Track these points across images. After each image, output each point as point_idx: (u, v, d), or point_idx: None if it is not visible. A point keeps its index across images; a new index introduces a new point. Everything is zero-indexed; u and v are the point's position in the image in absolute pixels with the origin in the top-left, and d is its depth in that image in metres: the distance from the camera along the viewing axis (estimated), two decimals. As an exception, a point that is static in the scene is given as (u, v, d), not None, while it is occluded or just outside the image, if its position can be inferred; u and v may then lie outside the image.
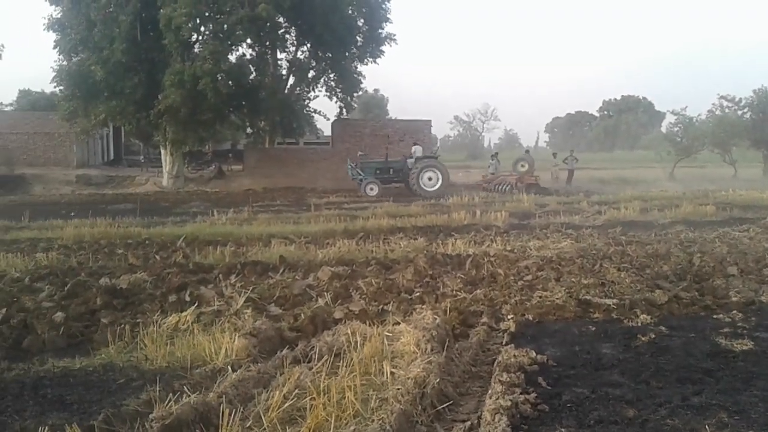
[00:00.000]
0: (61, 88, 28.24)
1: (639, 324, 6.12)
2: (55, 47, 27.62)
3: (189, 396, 3.86)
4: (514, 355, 4.95)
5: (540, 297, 6.95)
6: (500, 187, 26.44)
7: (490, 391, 4.22)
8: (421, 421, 3.94)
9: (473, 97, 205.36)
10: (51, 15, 27.63)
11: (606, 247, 10.04)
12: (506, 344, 5.44)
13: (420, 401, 4.09)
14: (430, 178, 25.67)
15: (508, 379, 4.42)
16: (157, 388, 4.03)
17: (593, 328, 6.05)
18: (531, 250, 9.95)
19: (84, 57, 26.35)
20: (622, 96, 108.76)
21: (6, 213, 17.48)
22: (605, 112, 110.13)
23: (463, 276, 8.03)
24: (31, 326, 6.01)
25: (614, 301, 6.73)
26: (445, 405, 4.23)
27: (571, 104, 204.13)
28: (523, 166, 30.52)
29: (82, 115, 27.77)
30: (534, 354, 5.03)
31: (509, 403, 3.92)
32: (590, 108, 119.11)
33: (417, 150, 27.26)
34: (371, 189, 25.06)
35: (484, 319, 6.31)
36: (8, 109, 54.74)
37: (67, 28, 27.19)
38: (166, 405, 3.66)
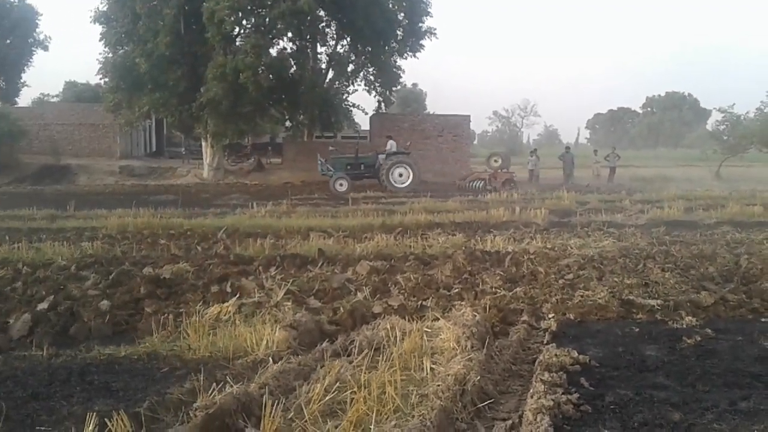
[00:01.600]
0: (106, 80, 28.86)
1: (684, 326, 5.99)
2: (100, 39, 28.23)
3: (231, 386, 3.90)
4: (556, 355, 4.89)
5: (582, 296, 6.84)
6: (474, 185, 25.96)
7: (531, 391, 4.18)
8: (461, 419, 3.92)
9: (513, 92, 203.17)
10: (97, 8, 28.27)
11: (649, 247, 9.84)
12: (547, 343, 5.38)
13: (460, 398, 4.07)
14: (400, 174, 25.31)
15: (550, 378, 4.37)
16: (201, 378, 4.09)
17: (637, 329, 5.95)
18: (572, 248, 9.80)
19: (129, 49, 26.86)
20: (667, 92, 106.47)
21: (52, 202, 17.98)
22: (648, 109, 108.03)
23: (502, 273, 7.95)
24: (78, 314, 6.16)
25: (658, 302, 6.60)
26: (485, 403, 4.20)
27: (613, 100, 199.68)
28: (496, 161, 29.81)
29: (126, 106, 28.32)
30: (576, 354, 4.96)
31: (551, 403, 3.88)
32: (633, 104, 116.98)
33: (392, 145, 26.78)
34: (340, 185, 24.52)
35: (525, 318, 6.25)
36: (54, 100, 56.05)
37: (113, 21, 27.74)
38: (210, 394, 3.71)
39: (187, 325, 5.55)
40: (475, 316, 5.72)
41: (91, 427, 3.10)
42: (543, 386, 4.19)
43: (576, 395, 4.12)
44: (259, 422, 3.55)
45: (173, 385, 4.33)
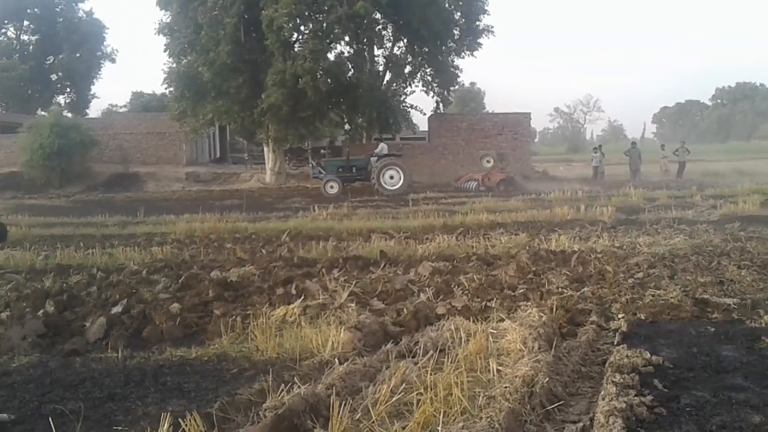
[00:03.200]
0: (171, 89, 29.81)
1: (763, 325, 5.71)
2: (165, 50, 29.23)
3: (299, 387, 3.95)
4: (627, 356, 4.74)
5: (653, 295, 6.63)
6: (468, 185, 25.67)
7: (602, 392, 4.06)
8: (530, 421, 3.86)
9: (574, 88, 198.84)
10: (161, 20, 29.30)
11: (723, 244, 9.45)
12: (618, 344, 5.22)
13: (528, 400, 4.00)
14: (391, 177, 25.04)
15: (622, 380, 4.24)
16: (269, 379, 4.15)
17: (712, 329, 5.70)
18: (641, 246, 9.52)
19: (192, 59, 27.64)
20: (737, 83, 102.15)
21: (123, 209, 18.71)
22: (718, 101, 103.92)
23: (568, 273, 7.79)
24: (150, 317, 6.35)
25: (734, 300, 6.31)
26: (554, 405, 4.11)
27: (681, 93, 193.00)
28: (488, 162, 29.20)
29: (190, 114, 29.14)
30: (648, 355, 4.79)
31: (624, 405, 3.76)
32: (702, 96, 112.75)
33: (383, 148, 26.57)
34: (331, 187, 24.70)
35: (593, 318, 6.09)
36: (123, 110, 58.37)
37: (176, 32, 28.65)
38: (278, 395, 3.76)
39: (254, 326, 5.65)
40: (542, 316, 5.62)
41: (165, 427, 3.19)
42: (615, 388, 4.07)
43: (650, 397, 3.98)
44: (327, 423, 3.57)
45: (243, 385, 4.42)
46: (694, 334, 5.61)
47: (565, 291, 6.99)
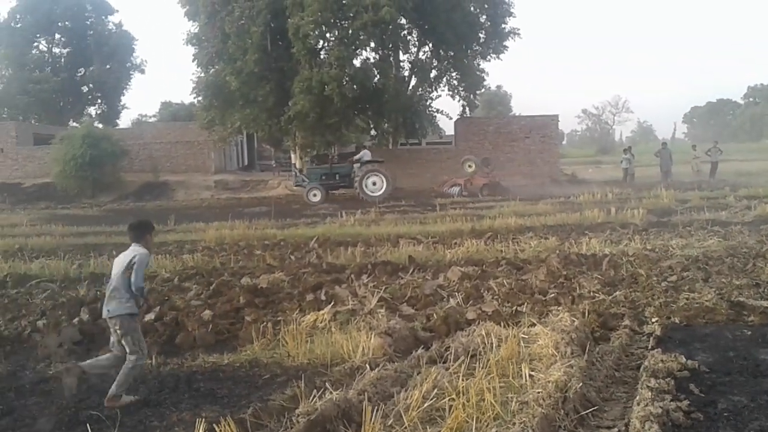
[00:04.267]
0: (200, 98, 30.14)
1: (802, 328, 5.59)
2: (193, 60, 29.56)
3: (331, 393, 3.97)
4: (662, 360, 4.68)
5: (687, 299, 6.53)
6: (451, 190, 25.55)
7: (637, 398, 4.01)
8: (564, 426, 3.82)
9: (602, 89, 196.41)
10: (189, 30, 29.64)
11: (759, 245, 9.27)
12: (652, 348, 5.15)
13: (562, 406, 3.96)
14: (374, 183, 24.97)
15: (657, 385, 4.18)
16: (302, 385, 4.18)
17: (748, 332, 5.61)
18: (674, 248, 9.38)
19: (219, 68, 27.91)
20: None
21: (153, 217, 18.85)
22: (751, 99, 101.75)
23: (600, 277, 7.71)
24: (182, 323, 6.44)
25: (772, 303, 6.19)
26: (588, 410, 4.07)
27: (712, 92, 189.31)
28: (470, 166, 28.92)
29: (219, 123, 29.43)
30: (684, 359, 4.73)
31: (659, 410, 3.71)
32: (733, 95, 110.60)
33: (365, 155, 26.48)
34: (314, 195, 24.71)
35: (626, 322, 6.02)
36: (152, 120, 59.26)
37: (204, 42, 28.95)
38: (311, 401, 3.79)
39: (285, 332, 5.70)
40: (574, 321, 5.57)
41: (200, 433, 3.24)
42: (650, 393, 4.01)
43: (686, 402, 3.93)
44: (359, 428, 3.59)
45: (275, 391, 4.46)
46: (730, 337, 5.51)
47: (597, 295, 6.92)
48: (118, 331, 4.61)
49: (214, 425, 3.40)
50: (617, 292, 7.01)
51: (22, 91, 46.15)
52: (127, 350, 4.60)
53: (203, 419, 3.46)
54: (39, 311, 7.24)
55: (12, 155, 36.17)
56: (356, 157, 26.63)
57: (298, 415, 3.66)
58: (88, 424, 3.96)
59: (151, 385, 4.91)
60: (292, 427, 3.53)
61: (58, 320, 6.70)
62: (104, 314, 4.75)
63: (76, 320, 6.64)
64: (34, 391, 4.96)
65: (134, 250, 4.84)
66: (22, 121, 44.81)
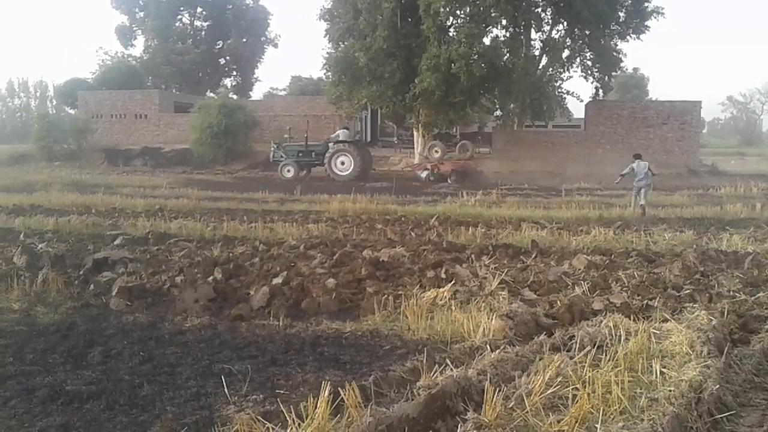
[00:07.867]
0: (329, 74, 30.84)
1: None
2: (325, 35, 30.26)
3: (452, 369, 3.97)
4: (812, 370, 4.29)
5: (841, 306, 5.93)
6: (420, 174, 25.18)
7: (781, 407, 3.71)
8: (696, 428, 3.62)
9: (751, 75, 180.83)
10: (323, 6, 30.33)
11: None
12: (799, 355, 4.74)
13: (695, 407, 3.75)
14: (342, 163, 25.41)
15: (806, 396, 3.84)
16: (423, 359, 4.20)
17: None
18: (828, 251, 8.55)
19: (349, 44, 28.42)
20: None
21: (281, 187, 19.75)
22: None
23: (741, 275, 7.20)
24: (308, 289, 6.66)
25: None
26: (723, 414, 3.83)
27: None
28: (436, 152, 27.32)
29: (346, 98, 30.04)
30: (838, 370, 4.31)
31: (809, 424, 3.41)
32: None
33: (342, 134, 26.29)
34: (288, 171, 25.93)
35: (769, 326, 5.57)
36: (282, 93, 61.45)
37: (336, 18, 29.58)
38: (432, 376, 3.80)
39: (406, 307, 5.75)
40: (711, 320, 5.24)
41: (325, 395, 3.32)
42: (797, 404, 3.69)
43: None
44: (478, 407, 3.56)
45: (395, 362, 4.52)
46: None
47: (738, 295, 6.47)
48: None
49: (339, 389, 3.48)
50: (761, 293, 6.50)
51: (165, 62, 49.30)
52: None
53: (328, 382, 3.55)
54: (177, 268, 7.73)
55: (154, 121, 38.92)
56: (332, 135, 27.18)
57: (419, 388, 3.68)
58: (222, 377, 4.19)
59: (278, 345, 5.13)
60: (412, 399, 3.55)
61: (194, 277, 7.12)
62: None
63: (210, 278, 7.03)
64: (171, 341, 5.31)
65: None
66: (165, 89, 47.95)
